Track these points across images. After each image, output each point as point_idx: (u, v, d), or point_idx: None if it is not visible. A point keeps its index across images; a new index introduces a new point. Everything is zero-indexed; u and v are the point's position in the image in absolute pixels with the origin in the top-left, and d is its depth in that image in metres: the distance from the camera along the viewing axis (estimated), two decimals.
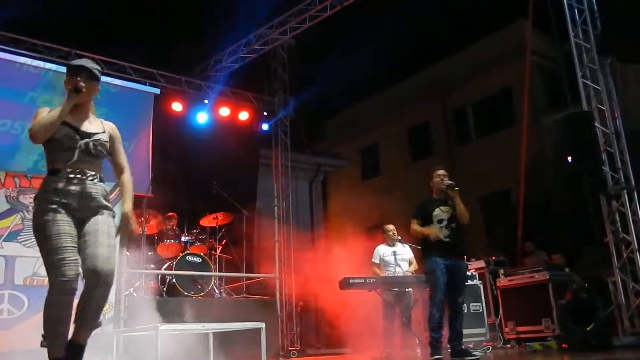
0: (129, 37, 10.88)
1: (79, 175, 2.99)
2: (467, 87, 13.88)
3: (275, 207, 8.63)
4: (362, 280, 6.21)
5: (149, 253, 7.29)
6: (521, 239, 9.48)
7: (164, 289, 6.92)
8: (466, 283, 5.18)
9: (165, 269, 7.04)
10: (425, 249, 5.12)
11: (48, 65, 8.77)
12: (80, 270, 2.85)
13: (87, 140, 3.06)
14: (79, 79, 3.07)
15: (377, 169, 16.24)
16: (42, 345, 2.76)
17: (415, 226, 5.13)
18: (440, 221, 4.95)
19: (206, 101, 10.38)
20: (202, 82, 10.54)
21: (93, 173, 3.07)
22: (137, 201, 6.94)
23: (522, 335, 6.85)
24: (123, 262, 5.94)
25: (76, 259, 2.84)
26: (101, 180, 3.13)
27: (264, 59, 10.98)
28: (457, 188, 5.04)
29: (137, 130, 9.25)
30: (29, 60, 8.54)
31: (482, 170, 12.88)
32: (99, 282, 2.85)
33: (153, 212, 7.52)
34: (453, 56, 14.22)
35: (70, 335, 2.83)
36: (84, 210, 2.98)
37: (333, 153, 15.83)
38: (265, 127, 11.10)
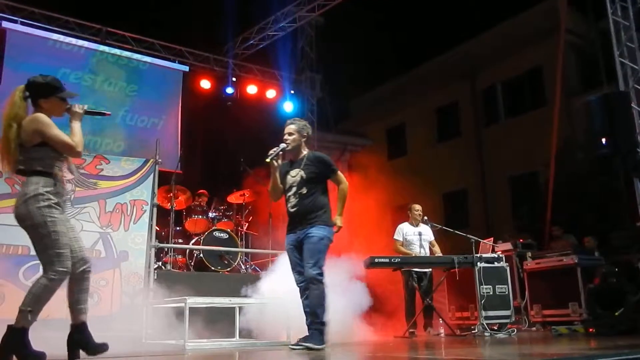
0: (158, 15, 10.95)
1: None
2: (497, 66, 13.59)
3: None
4: (387, 260, 6.24)
5: (177, 228, 7.42)
6: (549, 222, 9.34)
7: (192, 264, 7.06)
8: (313, 249, 4.01)
9: (193, 244, 7.17)
10: None
11: (80, 42, 8.90)
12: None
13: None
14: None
15: (403, 148, 16.12)
16: (22, 318, 3.08)
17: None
18: (289, 188, 4.26)
19: (234, 79, 10.42)
20: (230, 60, 10.56)
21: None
22: (167, 177, 7.11)
23: (548, 319, 6.79)
24: (152, 236, 6.07)
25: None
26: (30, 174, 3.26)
27: (292, 36, 10.92)
28: (267, 159, 4.17)
29: (166, 108, 9.38)
30: (62, 37, 8.68)
31: (510, 151, 12.68)
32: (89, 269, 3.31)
33: (182, 188, 7.63)
34: (483, 35, 13.90)
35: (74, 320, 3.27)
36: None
37: (359, 132, 15.76)
38: (291, 105, 11.09)
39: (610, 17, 6.90)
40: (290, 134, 4.32)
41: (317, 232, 4.07)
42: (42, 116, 3.24)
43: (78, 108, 3.41)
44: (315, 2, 9.73)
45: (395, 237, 7.03)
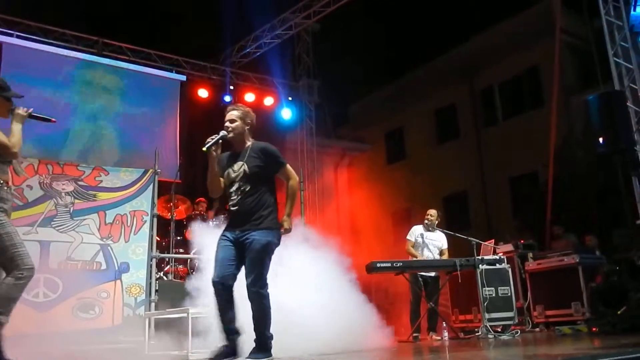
0: (154, 25, 10.98)
1: None
2: (494, 67, 13.61)
3: (301, 192, 8.67)
4: (389, 264, 6.24)
5: (178, 237, 7.42)
6: (550, 222, 9.33)
7: (193, 273, 7.05)
8: (255, 260, 3.52)
9: (194, 254, 7.16)
10: None
11: (76, 54, 8.93)
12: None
13: None
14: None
15: (402, 152, 16.12)
16: None
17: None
18: (232, 184, 3.69)
19: (231, 87, 10.45)
20: (227, 68, 10.59)
21: None
22: (166, 186, 7.11)
23: (551, 319, 6.78)
24: (153, 247, 6.06)
25: None
26: None
27: (288, 43, 10.96)
28: (204, 148, 3.61)
29: (164, 117, 9.41)
30: (58, 50, 8.70)
31: (509, 151, 12.68)
32: None
33: (182, 198, 7.64)
34: (479, 36, 13.94)
35: None
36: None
37: (358, 137, 15.78)
38: (289, 112, 11.11)
39: (603, 18, 6.93)
40: (232, 120, 3.72)
41: (260, 237, 3.54)
42: None
43: (22, 110, 3.35)
44: (311, 9, 9.76)
45: (408, 237, 7.04)
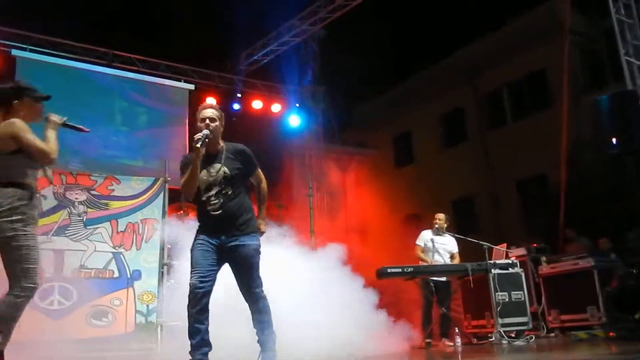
0: (162, 36, 11.06)
1: None
2: (501, 69, 13.55)
3: (310, 197, 8.67)
4: (400, 270, 6.19)
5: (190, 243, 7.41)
6: (562, 225, 9.24)
7: None
8: (254, 265, 3.49)
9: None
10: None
11: (87, 66, 9.01)
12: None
13: None
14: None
15: (410, 156, 16.09)
16: None
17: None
18: (209, 187, 3.52)
19: (239, 95, 10.48)
20: (234, 76, 10.64)
21: None
22: (176, 194, 7.13)
23: (567, 324, 6.69)
24: (164, 254, 6.07)
25: None
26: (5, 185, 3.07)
27: (295, 50, 10.98)
28: (199, 145, 3.40)
29: (173, 126, 9.46)
30: (69, 62, 8.78)
31: (517, 154, 12.61)
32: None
33: (192, 205, 7.63)
34: (485, 38, 13.90)
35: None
36: None
37: (365, 141, 15.76)
38: (298, 119, 11.12)
39: (613, 16, 6.88)
40: (212, 119, 3.52)
41: (250, 242, 3.48)
42: (18, 120, 3.10)
43: (56, 118, 3.30)
44: (318, 16, 9.78)
45: (417, 242, 7.00)
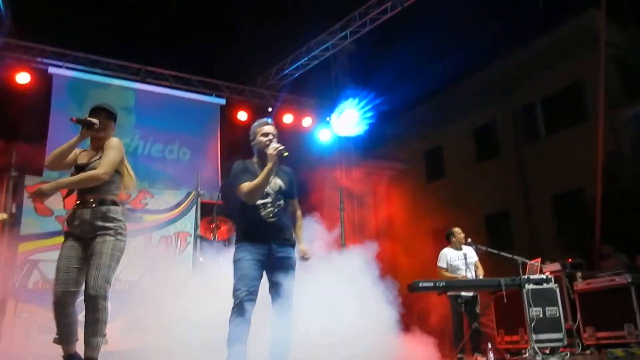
0: (194, 51, 11.31)
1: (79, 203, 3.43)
2: (535, 82, 13.36)
3: (341, 211, 8.67)
4: (432, 284, 6.13)
5: (220, 259, 7.50)
6: (599, 241, 9.01)
7: None
8: (292, 274, 3.66)
9: None
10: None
11: (121, 82, 9.25)
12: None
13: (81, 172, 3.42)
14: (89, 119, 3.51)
15: (441, 170, 15.94)
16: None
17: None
18: (264, 195, 3.69)
19: (270, 109, 10.60)
20: (265, 90, 10.78)
21: (91, 200, 3.39)
22: (208, 208, 7.24)
23: (603, 341, 6.50)
24: (196, 268, 6.16)
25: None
26: (105, 204, 3.42)
27: (325, 64, 11.08)
28: (285, 154, 3.66)
29: (205, 141, 9.63)
30: (104, 79, 9.05)
31: (552, 168, 12.36)
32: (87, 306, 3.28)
33: (223, 219, 7.73)
34: (519, 50, 13.74)
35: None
36: (85, 234, 3.38)
37: (396, 156, 15.70)
38: (329, 133, 11.17)
39: None
40: (274, 135, 3.84)
41: (293, 255, 3.74)
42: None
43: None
44: (348, 30, 9.87)
45: (439, 264, 6.92)
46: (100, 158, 3.42)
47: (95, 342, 3.19)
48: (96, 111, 3.55)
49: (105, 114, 3.55)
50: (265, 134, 3.80)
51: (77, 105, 8.31)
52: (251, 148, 3.94)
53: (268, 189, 3.69)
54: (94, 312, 3.20)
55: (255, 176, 3.66)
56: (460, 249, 6.90)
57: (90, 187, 3.35)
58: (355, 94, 10.82)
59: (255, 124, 3.95)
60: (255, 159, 3.85)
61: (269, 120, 3.97)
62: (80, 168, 3.42)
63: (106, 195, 3.39)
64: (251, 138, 3.92)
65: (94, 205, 3.35)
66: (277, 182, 3.75)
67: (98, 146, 3.51)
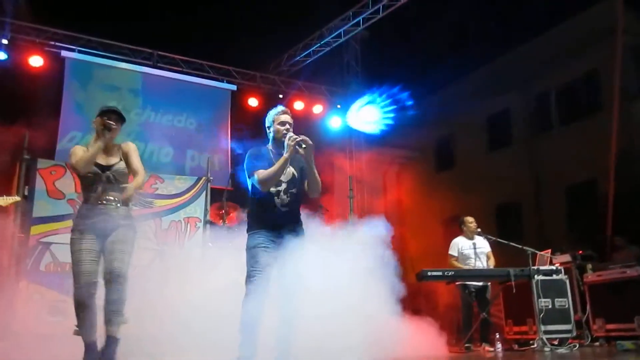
0: (205, 37, 11.27)
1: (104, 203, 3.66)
2: (550, 72, 13.15)
3: (350, 199, 8.67)
4: (440, 273, 6.13)
5: (229, 244, 7.54)
6: (611, 233, 8.93)
7: None
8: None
9: None
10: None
11: (133, 67, 9.26)
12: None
13: (107, 173, 3.68)
14: (106, 120, 3.68)
15: (451, 160, 15.83)
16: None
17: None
18: (278, 183, 3.72)
19: (281, 96, 10.57)
20: (276, 77, 10.74)
21: (116, 199, 3.68)
22: (218, 194, 7.26)
23: (612, 334, 6.47)
24: (205, 253, 6.20)
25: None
26: (126, 204, 3.72)
27: (337, 51, 10.99)
28: (303, 146, 3.63)
29: (216, 126, 9.63)
30: (116, 63, 9.05)
31: (566, 159, 12.22)
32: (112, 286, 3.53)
33: (233, 205, 7.76)
34: (534, 39, 13.54)
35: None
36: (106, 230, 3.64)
37: (406, 144, 15.61)
38: (339, 120, 11.13)
39: None
40: (290, 124, 3.84)
41: (303, 244, 3.72)
42: None
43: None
44: (360, 17, 9.77)
45: (450, 252, 6.91)
46: (120, 160, 3.74)
47: (117, 320, 3.42)
48: (107, 113, 3.70)
49: (116, 116, 3.72)
50: (283, 123, 3.82)
51: (89, 90, 8.34)
52: (263, 134, 3.97)
53: (282, 177, 3.72)
54: (118, 291, 3.45)
55: (270, 163, 3.70)
56: (472, 238, 6.89)
57: (116, 187, 3.66)
58: (374, 89, 10.73)
59: (273, 111, 3.94)
60: (270, 146, 3.88)
61: (286, 110, 3.97)
62: (104, 168, 3.66)
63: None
64: (267, 125, 3.93)
65: (118, 205, 3.64)
66: (290, 171, 3.78)
67: (108, 147, 3.72)
